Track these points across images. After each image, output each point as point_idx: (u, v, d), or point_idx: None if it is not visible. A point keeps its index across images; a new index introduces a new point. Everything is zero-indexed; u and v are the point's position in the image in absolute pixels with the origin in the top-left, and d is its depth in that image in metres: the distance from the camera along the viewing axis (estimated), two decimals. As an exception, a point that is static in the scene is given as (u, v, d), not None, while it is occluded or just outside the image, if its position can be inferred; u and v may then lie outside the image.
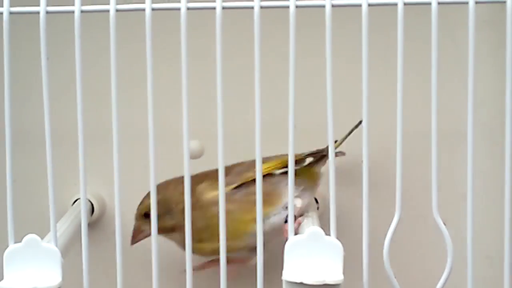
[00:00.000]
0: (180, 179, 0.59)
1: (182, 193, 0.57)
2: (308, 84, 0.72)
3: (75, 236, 0.72)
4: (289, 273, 0.55)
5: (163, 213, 0.68)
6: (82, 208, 0.57)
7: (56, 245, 0.56)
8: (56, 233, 0.56)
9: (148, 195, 0.67)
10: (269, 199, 0.68)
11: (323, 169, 0.75)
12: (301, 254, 0.55)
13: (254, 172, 0.56)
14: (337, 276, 0.54)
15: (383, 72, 0.63)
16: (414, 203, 0.73)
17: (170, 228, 0.70)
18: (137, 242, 0.72)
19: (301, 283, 0.54)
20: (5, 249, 0.56)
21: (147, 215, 0.68)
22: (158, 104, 0.57)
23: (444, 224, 0.56)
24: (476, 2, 0.54)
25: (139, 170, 0.66)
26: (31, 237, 0.56)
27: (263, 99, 0.55)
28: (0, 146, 0.60)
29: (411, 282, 0.76)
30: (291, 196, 0.56)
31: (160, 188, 0.64)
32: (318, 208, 0.78)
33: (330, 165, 0.56)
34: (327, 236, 0.56)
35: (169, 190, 0.71)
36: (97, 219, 0.81)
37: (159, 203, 0.57)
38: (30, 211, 0.78)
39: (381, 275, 0.58)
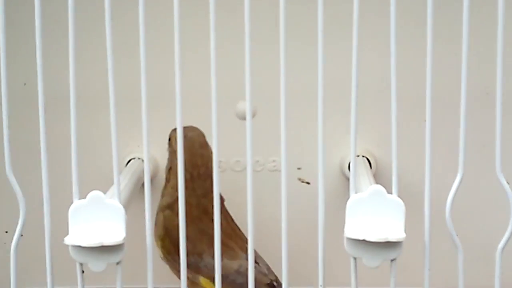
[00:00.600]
0: None
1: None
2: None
3: (132, 194, 0.73)
4: (351, 231, 0.55)
5: None
6: (146, 167, 0.57)
7: (120, 201, 0.56)
8: (119, 189, 0.57)
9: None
10: None
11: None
12: (362, 212, 0.56)
13: None
14: (399, 233, 0.54)
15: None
16: (477, 162, 0.73)
17: None
18: None
19: (364, 240, 0.54)
20: (70, 205, 0.57)
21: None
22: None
23: (508, 184, 0.56)
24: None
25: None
26: (95, 193, 0.56)
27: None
28: (63, 108, 0.61)
29: (473, 241, 0.77)
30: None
31: None
32: (371, 167, 0.79)
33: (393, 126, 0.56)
34: (389, 194, 0.55)
35: None
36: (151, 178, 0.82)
37: None
38: (89, 171, 0.79)
39: (442, 233, 0.58)
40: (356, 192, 0.56)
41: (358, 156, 0.81)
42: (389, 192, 0.56)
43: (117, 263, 0.57)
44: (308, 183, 0.83)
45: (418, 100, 0.63)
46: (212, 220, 0.66)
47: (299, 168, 0.83)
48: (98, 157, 0.78)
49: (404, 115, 0.62)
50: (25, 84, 0.81)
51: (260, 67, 0.64)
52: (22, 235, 0.63)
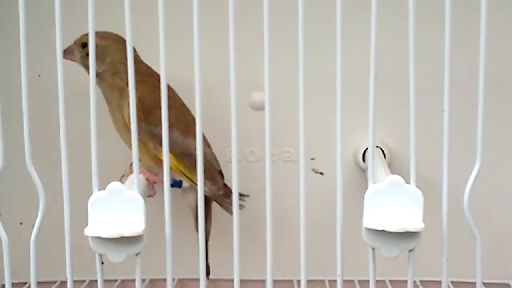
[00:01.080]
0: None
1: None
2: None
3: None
4: (369, 221, 0.55)
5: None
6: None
7: (139, 192, 0.57)
8: (138, 180, 0.57)
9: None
10: None
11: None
12: (381, 202, 0.56)
13: None
14: (417, 224, 0.55)
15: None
16: (495, 151, 0.73)
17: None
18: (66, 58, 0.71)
19: (382, 231, 0.54)
20: (85, 198, 0.57)
21: (84, 45, 0.72)
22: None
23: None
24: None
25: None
26: (114, 184, 0.57)
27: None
28: (83, 102, 0.61)
29: (491, 231, 0.77)
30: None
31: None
32: (385, 157, 0.79)
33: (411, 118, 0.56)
34: (407, 185, 0.56)
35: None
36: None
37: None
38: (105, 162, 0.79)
39: (460, 223, 0.58)
40: (370, 184, 0.56)
41: (372, 146, 0.81)
42: (407, 182, 0.56)
43: (137, 254, 0.57)
44: (321, 173, 0.84)
45: (433, 90, 0.63)
46: (174, 93, 0.73)
47: (312, 159, 0.83)
48: (113, 148, 0.78)
49: (418, 105, 0.62)
50: (39, 75, 0.81)
51: (273, 58, 0.65)
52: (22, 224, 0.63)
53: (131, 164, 0.59)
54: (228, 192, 0.76)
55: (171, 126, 0.67)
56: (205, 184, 0.71)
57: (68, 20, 0.59)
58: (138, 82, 0.70)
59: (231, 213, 0.73)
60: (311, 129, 0.74)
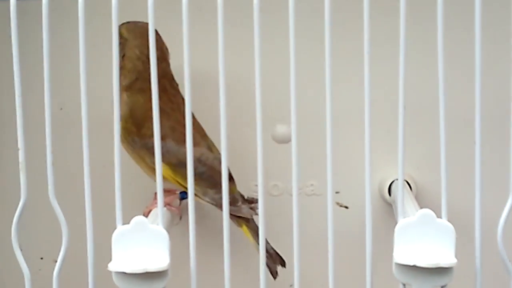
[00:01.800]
0: None
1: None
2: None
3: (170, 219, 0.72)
4: (400, 256, 0.54)
5: None
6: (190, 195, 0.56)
7: (164, 227, 0.56)
8: (163, 215, 0.56)
9: None
10: None
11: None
12: (411, 236, 0.54)
13: None
14: (450, 259, 0.53)
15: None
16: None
17: None
18: None
19: (414, 266, 0.53)
20: (112, 231, 0.56)
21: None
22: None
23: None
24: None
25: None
26: (139, 218, 0.56)
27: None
28: (103, 134, 0.60)
29: None
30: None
31: None
32: (411, 190, 0.78)
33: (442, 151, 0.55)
34: (438, 219, 0.54)
35: None
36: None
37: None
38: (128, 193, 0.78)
39: (494, 258, 0.57)
40: (400, 218, 0.55)
41: (397, 179, 0.80)
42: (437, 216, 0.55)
43: (161, 290, 0.56)
44: (346, 207, 0.82)
45: (462, 122, 0.62)
46: (171, 100, 0.70)
47: (337, 192, 0.82)
48: (132, 183, 0.77)
49: (447, 137, 0.61)
50: (61, 108, 0.81)
51: (297, 90, 0.64)
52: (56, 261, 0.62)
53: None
54: (235, 199, 0.71)
55: (164, 136, 0.68)
56: (207, 193, 0.70)
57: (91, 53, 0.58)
58: (137, 90, 0.71)
59: (239, 224, 0.71)
60: (335, 162, 0.73)
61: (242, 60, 0.63)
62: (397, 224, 0.55)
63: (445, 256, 0.53)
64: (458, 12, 0.68)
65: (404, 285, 0.55)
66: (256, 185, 0.82)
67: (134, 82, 0.71)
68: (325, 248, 0.69)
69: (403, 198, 0.55)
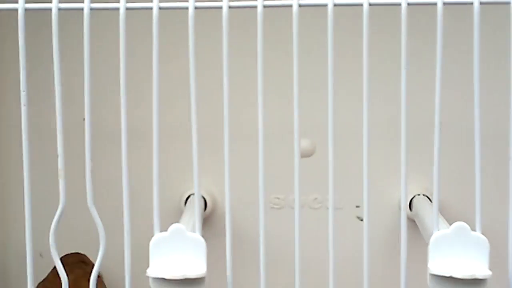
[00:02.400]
0: None
1: None
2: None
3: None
4: (435, 267, 0.55)
5: None
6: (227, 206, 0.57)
7: (201, 235, 0.56)
8: (200, 223, 0.57)
9: None
10: None
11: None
12: (446, 248, 0.55)
13: None
14: (485, 270, 0.54)
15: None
16: None
17: None
18: None
19: (450, 277, 0.54)
20: (148, 238, 0.57)
21: None
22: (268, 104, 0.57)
23: None
24: (481, 3, 0.54)
25: (248, 168, 0.67)
26: (177, 226, 0.56)
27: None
28: (140, 143, 0.61)
29: None
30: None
31: None
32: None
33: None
34: (473, 231, 0.55)
35: None
36: (209, 214, 0.82)
37: None
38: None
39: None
40: (435, 230, 0.56)
41: (419, 195, 0.81)
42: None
43: (197, 296, 0.56)
44: (361, 219, 0.83)
45: (490, 135, 0.63)
46: None
47: (357, 206, 0.83)
48: (166, 191, 0.78)
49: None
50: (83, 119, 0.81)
51: (321, 105, 0.65)
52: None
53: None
54: None
55: None
56: None
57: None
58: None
59: None
60: (356, 176, 0.74)
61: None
62: (432, 236, 0.56)
63: (480, 268, 0.54)
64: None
65: (438, 296, 0.56)
66: (279, 198, 0.84)
67: None
68: (345, 260, 0.70)
69: (437, 212, 0.56)
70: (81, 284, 0.74)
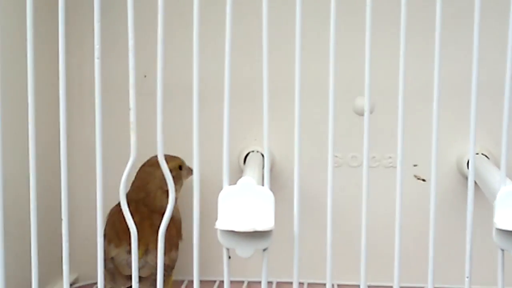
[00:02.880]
0: None
1: None
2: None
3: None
4: (503, 222, 0.55)
5: None
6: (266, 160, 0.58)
7: (269, 188, 0.57)
8: (269, 176, 0.57)
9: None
10: None
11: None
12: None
13: None
14: None
15: None
16: None
17: None
18: None
19: (517, 232, 0.54)
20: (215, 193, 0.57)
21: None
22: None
23: None
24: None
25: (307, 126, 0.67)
26: (246, 179, 0.57)
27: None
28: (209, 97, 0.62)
29: None
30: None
31: None
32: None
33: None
34: None
35: None
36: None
37: None
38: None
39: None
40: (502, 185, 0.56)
41: (477, 154, 0.81)
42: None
43: (264, 250, 0.57)
44: (424, 180, 0.83)
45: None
46: None
47: (415, 165, 0.83)
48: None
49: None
50: (145, 76, 0.82)
51: (380, 63, 0.65)
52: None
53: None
54: None
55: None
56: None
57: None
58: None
59: None
60: (414, 135, 0.75)
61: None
62: (499, 192, 0.56)
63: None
64: None
65: (503, 250, 0.56)
66: (337, 156, 0.85)
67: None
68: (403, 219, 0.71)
69: (505, 166, 0.56)
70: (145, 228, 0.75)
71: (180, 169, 0.80)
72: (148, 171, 0.78)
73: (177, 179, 0.75)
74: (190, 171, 0.79)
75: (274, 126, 0.70)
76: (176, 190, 0.72)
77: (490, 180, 0.69)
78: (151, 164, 0.78)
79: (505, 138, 0.56)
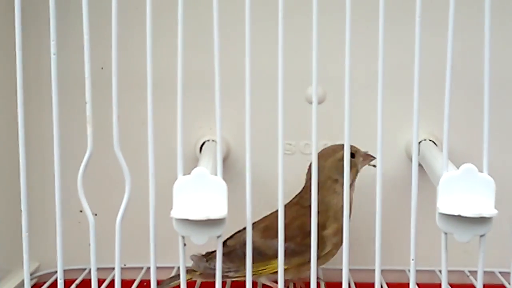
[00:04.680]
0: None
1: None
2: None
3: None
4: (445, 207, 0.58)
5: None
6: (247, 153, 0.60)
7: (222, 178, 0.59)
8: (221, 166, 0.59)
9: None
10: None
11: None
12: (455, 189, 0.58)
13: None
14: (491, 209, 0.57)
15: None
16: None
17: None
18: None
19: (458, 216, 0.57)
20: (170, 183, 0.60)
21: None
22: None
23: None
24: None
25: (261, 116, 0.70)
26: (200, 169, 0.59)
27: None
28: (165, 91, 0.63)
29: None
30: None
31: None
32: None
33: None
34: (480, 173, 0.58)
35: None
36: (223, 160, 0.85)
37: None
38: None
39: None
40: (445, 171, 0.59)
41: (425, 140, 0.84)
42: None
43: (218, 237, 0.59)
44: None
45: (499, 80, 0.65)
46: None
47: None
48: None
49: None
50: (102, 68, 0.84)
51: (332, 53, 0.67)
52: (96, 214, 0.66)
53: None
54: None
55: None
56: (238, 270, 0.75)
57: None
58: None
59: None
60: (365, 122, 0.77)
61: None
62: (442, 178, 0.59)
63: (486, 207, 0.57)
64: None
65: (446, 234, 0.59)
66: (290, 144, 0.87)
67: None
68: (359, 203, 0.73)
69: (447, 154, 0.59)
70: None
71: (353, 157, 0.79)
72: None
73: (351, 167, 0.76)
74: (367, 157, 0.80)
75: (228, 115, 0.72)
76: (351, 178, 0.75)
77: (435, 166, 0.72)
78: (319, 157, 0.79)
79: (447, 124, 0.59)
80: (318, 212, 0.62)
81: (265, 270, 0.74)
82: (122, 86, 0.61)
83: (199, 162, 0.74)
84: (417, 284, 0.63)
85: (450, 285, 0.76)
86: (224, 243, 0.76)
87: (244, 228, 0.65)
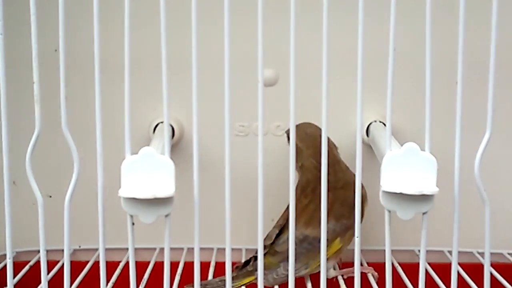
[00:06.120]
0: None
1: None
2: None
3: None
4: (387, 185, 0.59)
5: None
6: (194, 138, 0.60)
7: (170, 157, 0.60)
8: (169, 146, 0.60)
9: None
10: None
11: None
12: (397, 167, 0.59)
13: None
14: (432, 187, 0.58)
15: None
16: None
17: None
18: None
19: (400, 194, 0.58)
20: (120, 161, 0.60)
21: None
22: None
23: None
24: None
25: (215, 98, 0.70)
26: (147, 149, 0.59)
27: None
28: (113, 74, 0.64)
29: (500, 196, 0.81)
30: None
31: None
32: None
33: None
34: (422, 151, 0.59)
35: None
36: (177, 141, 0.86)
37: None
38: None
39: (471, 189, 0.62)
40: (388, 151, 0.60)
41: (375, 121, 0.85)
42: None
43: (166, 216, 0.60)
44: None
45: (443, 62, 0.67)
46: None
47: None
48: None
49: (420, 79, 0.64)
50: (55, 50, 0.84)
51: (285, 34, 0.68)
52: (51, 196, 0.66)
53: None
54: None
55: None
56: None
57: None
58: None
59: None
60: (317, 104, 0.78)
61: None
62: (385, 156, 0.60)
63: (428, 185, 0.58)
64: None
65: (389, 211, 0.60)
66: (243, 126, 0.88)
67: (306, 187, 0.82)
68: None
69: (390, 134, 0.60)
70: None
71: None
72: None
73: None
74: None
75: (182, 97, 0.72)
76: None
77: (382, 146, 0.73)
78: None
79: (389, 105, 0.60)
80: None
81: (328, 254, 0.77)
82: (79, 68, 0.61)
83: (151, 143, 0.74)
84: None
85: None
86: (275, 251, 0.80)
87: (280, 230, 0.70)
